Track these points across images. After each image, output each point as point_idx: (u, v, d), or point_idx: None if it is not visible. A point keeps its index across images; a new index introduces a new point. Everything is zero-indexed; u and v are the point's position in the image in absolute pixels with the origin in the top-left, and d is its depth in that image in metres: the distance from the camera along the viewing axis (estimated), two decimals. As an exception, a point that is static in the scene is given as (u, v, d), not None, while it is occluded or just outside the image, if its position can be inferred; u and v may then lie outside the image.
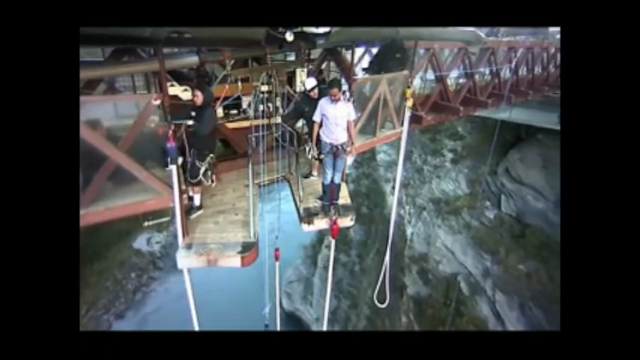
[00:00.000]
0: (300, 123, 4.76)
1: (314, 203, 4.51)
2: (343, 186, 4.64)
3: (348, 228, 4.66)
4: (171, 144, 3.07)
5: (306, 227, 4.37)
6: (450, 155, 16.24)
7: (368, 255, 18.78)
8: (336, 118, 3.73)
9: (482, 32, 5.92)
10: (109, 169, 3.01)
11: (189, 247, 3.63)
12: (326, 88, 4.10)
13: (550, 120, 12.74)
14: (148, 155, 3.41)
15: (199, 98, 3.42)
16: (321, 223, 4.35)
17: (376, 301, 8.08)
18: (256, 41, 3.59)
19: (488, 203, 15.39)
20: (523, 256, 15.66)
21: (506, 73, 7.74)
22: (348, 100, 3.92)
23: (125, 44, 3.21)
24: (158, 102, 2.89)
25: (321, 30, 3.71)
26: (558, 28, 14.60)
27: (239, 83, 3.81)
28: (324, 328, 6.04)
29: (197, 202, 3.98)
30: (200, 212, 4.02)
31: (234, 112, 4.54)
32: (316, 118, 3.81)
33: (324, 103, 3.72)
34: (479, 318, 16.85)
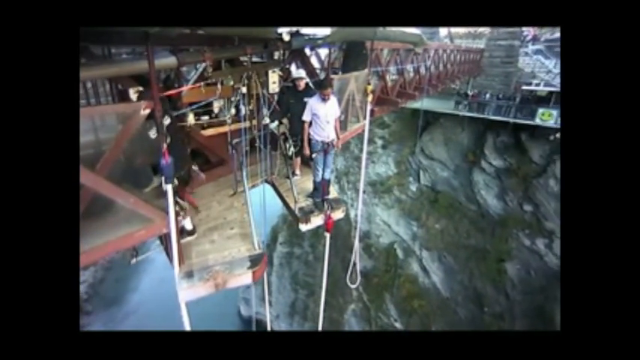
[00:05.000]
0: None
1: (306, 202, 4.42)
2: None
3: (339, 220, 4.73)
4: (166, 160, 2.52)
5: (303, 226, 4.25)
6: (380, 142, 18.05)
7: (320, 243, 19.33)
8: (327, 116, 3.70)
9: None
10: (84, 201, 2.27)
11: (189, 275, 3.08)
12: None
13: (448, 106, 15.59)
14: (123, 176, 2.71)
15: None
16: (317, 220, 4.29)
17: (349, 283, 8.52)
18: (233, 40, 3.22)
19: (411, 179, 17.84)
20: (437, 216, 18.84)
21: (422, 70, 9.02)
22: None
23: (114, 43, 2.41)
24: (148, 111, 2.32)
25: (294, 29, 3.59)
26: (446, 32, 17.68)
27: (219, 85, 3.35)
28: (320, 328, 6.02)
29: (188, 225, 3.39)
30: (193, 237, 3.44)
31: (206, 117, 3.99)
32: (306, 117, 3.69)
33: (314, 103, 3.63)
34: (411, 274, 19.59)
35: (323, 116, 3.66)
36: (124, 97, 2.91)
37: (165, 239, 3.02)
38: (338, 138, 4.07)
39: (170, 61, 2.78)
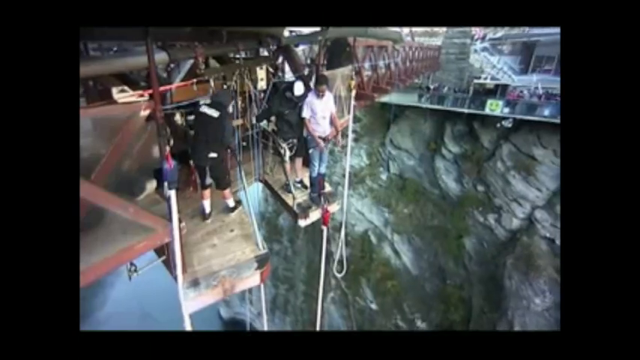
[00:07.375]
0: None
1: (302, 197, 4.37)
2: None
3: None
4: (169, 164, 2.29)
5: (302, 222, 4.21)
6: (352, 135, 18.39)
7: (298, 237, 19.32)
8: (324, 111, 3.65)
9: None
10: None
11: (195, 283, 2.87)
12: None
13: (412, 99, 16.43)
14: (116, 184, 2.41)
15: None
16: (315, 215, 4.27)
17: (336, 272, 8.70)
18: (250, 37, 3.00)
19: (381, 169, 18.55)
20: (406, 202, 19.92)
21: (392, 66, 9.32)
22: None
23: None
24: (148, 112, 2.08)
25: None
26: (407, 30, 18.39)
27: (212, 83, 3.11)
28: (318, 328, 6.05)
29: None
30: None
31: (193, 117, 3.70)
32: (305, 114, 3.61)
33: (312, 100, 3.56)
34: (384, 258, 20.61)
35: (320, 112, 3.62)
36: (104, 97, 2.56)
37: (167, 249, 2.77)
38: (337, 131, 4.07)
39: (161, 57, 2.52)
